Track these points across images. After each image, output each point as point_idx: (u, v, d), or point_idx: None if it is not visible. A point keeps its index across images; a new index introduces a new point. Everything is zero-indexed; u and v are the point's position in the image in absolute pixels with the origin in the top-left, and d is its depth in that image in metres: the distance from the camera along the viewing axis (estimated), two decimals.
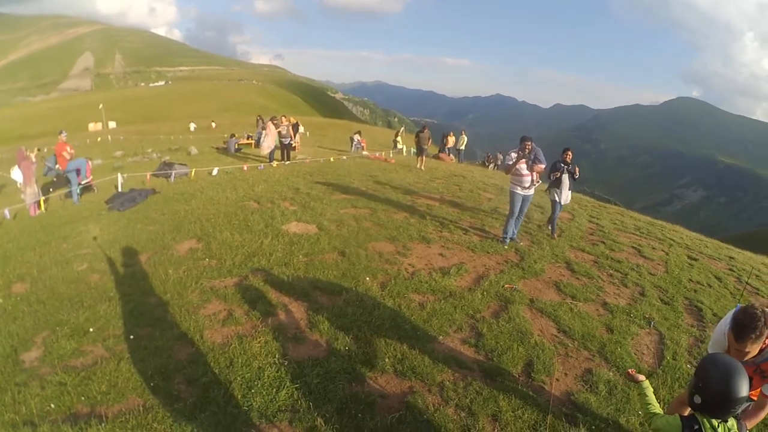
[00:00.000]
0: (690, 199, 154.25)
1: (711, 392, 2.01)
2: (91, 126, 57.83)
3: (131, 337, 4.40)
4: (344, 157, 18.01)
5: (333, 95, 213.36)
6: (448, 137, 23.39)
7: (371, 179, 12.70)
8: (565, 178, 8.05)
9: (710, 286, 6.74)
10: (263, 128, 17.96)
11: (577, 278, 6.44)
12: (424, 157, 16.23)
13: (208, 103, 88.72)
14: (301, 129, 24.61)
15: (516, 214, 7.58)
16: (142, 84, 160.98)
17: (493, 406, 3.62)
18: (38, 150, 11.43)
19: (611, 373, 4.17)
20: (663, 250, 8.41)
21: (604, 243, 8.33)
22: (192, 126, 44.18)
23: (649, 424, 2.41)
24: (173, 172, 12.70)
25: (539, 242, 7.94)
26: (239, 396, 3.57)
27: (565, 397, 3.84)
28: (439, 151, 22.84)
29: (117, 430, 3.23)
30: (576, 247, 7.89)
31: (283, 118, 16.48)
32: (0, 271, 6.24)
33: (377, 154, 20.27)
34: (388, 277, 5.89)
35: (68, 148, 11.62)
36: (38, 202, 10.19)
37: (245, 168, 13.73)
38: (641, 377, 2.58)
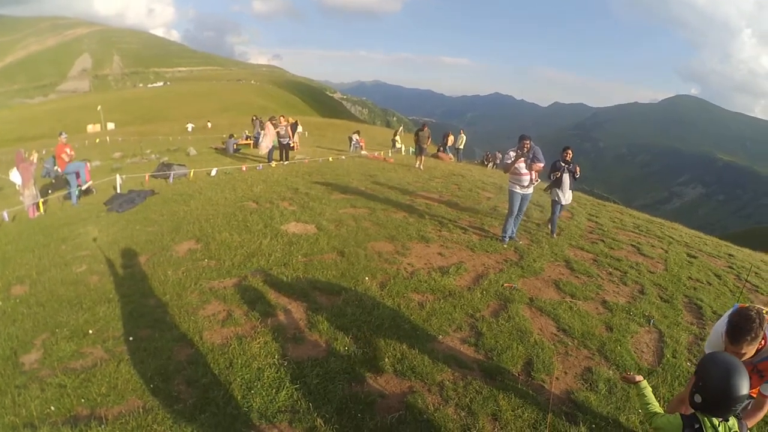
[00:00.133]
0: (689, 196, 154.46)
1: (711, 391, 2.01)
2: (90, 127, 57.75)
3: (131, 338, 4.40)
4: (343, 157, 18.00)
5: (331, 95, 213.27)
6: (449, 137, 23.40)
7: (370, 179, 12.70)
8: (566, 177, 7.96)
9: (710, 284, 6.74)
10: (262, 128, 17.95)
11: (577, 277, 6.44)
12: (423, 157, 16.21)
13: (206, 103, 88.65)
14: (300, 129, 24.60)
15: (515, 212, 7.58)
16: (141, 85, 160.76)
17: (493, 405, 3.62)
18: (35, 152, 11.37)
19: (611, 372, 4.17)
20: (662, 248, 8.42)
21: (603, 241, 8.34)
22: (189, 126, 44.15)
23: (649, 423, 2.41)
24: (172, 173, 12.68)
25: (538, 241, 7.94)
26: (239, 397, 3.57)
27: (565, 395, 3.85)
28: (438, 150, 22.83)
29: (117, 431, 3.23)
30: (575, 246, 7.89)
31: (281, 118, 16.46)
32: None
33: (376, 154, 20.26)
34: (387, 277, 5.89)
35: (68, 150, 11.62)
36: (37, 204, 10.17)
37: (244, 168, 13.73)
38: (638, 377, 2.57)
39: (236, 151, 20.33)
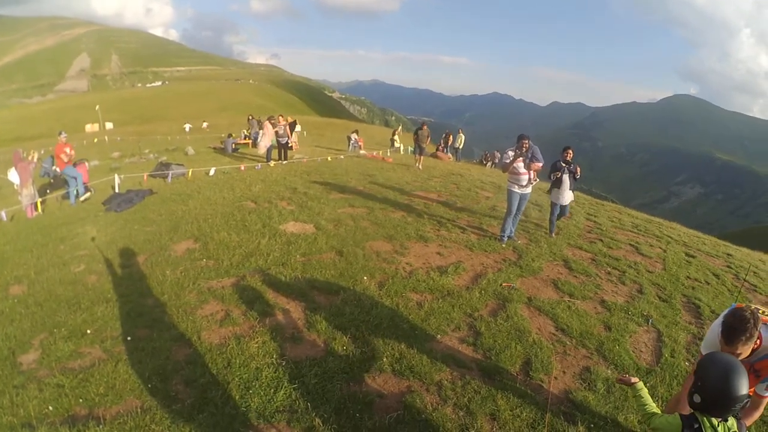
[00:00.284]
0: (687, 196, 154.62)
1: (711, 391, 2.01)
2: (88, 127, 57.57)
3: (129, 338, 4.40)
4: (341, 157, 17.99)
5: (330, 94, 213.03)
6: (449, 136, 23.42)
7: (368, 178, 12.70)
8: (566, 178, 7.90)
9: (708, 283, 6.75)
10: (260, 128, 17.92)
11: (575, 276, 6.45)
12: (422, 156, 16.19)
13: (205, 103, 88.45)
14: (298, 128, 24.55)
15: (513, 212, 7.58)
16: (139, 85, 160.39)
17: (491, 404, 3.62)
18: (34, 152, 11.34)
19: (609, 371, 4.17)
20: (660, 248, 8.42)
21: (601, 241, 8.34)
22: (187, 127, 44.02)
23: (647, 424, 2.40)
24: (170, 172, 12.67)
25: (537, 240, 7.94)
26: (237, 397, 3.57)
27: (563, 395, 3.85)
28: (437, 149, 22.83)
29: (115, 431, 3.22)
30: (574, 245, 7.90)
31: (280, 117, 16.44)
32: None
33: (374, 153, 20.25)
34: (385, 277, 5.89)
35: (68, 150, 11.58)
36: (35, 204, 10.16)
37: (242, 168, 13.71)
38: (634, 379, 2.57)
39: (235, 150, 20.31)
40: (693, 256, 8.08)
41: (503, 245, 7.49)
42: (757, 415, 2.65)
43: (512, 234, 7.81)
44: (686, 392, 2.26)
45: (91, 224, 8.37)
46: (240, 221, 7.89)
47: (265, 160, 15.74)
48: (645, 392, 2.50)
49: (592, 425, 3.47)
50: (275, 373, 3.86)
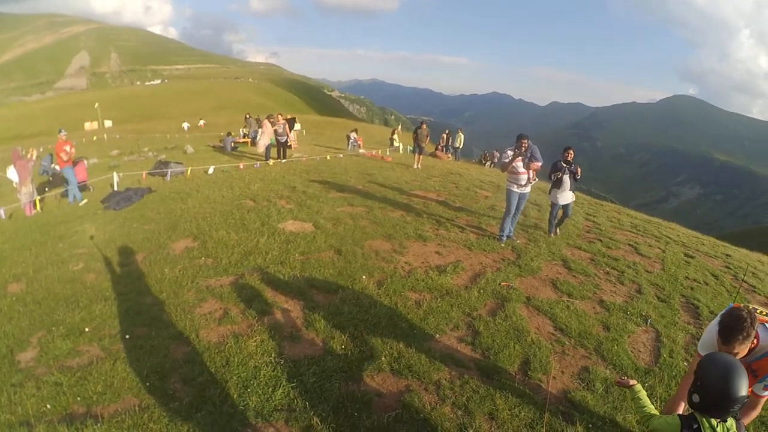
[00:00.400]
0: (686, 196, 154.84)
1: (710, 391, 2.00)
2: (87, 125, 57.45)
3: (127, 336, 4.39)
4: (341, 155, 17.99)
5: (329, 93, 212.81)
6: (448, 136, 23.44)
7: (368, 177, 12.69)
8: (566, 178, 7.85)
9: (707, 284, 6.76)
10: (259, 126, 17.90)
11: (574, 276, 6.45)
12: (421, 156, 16.19)
13: (204, 101, 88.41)
14: (298, 126, 24.54)
15: (512, 211, 7.58)
16: (138, 83, 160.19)
17: (489, 404, 3.62)
18: (34, 150, 11.32)
19: (608, 371, 4.17)
20: (659, 248, 8.43)
21: (600, 241, 8.34)
22: (185, 125, 43.94)
23: (646, 425, 2.39)
24: (169, 170, 12.66)
25: (536, 240, 7.94)
26: (235, 395, 3.57)
27: (561, 395, 3.85)
28: (436, 149, 22.84)
29: (113, 430, 3.22)
30: (573, 245, 7.90)
31: (279, 116, 16.43)
32: None
33: (374, 152, 20.26)
34: (384, 276, 5.88)
35: (68, 147, 11.56)
36: (34, 202, 10.14)
37: (241, 166, 13.71)
38: (632, 381, 2.56)
39: (234, 149, 20.31)
40: (692, 257, 8.08)
41: (502, 245, 7.49)
42: (754, 414, 2.65)
43: (511, 233, 7.81)
44: (683, 393, 2.26)
45: (89, 222, 8.35)
46: (239, 220, 7.88)
47: (264, 158, 15.73)
48: (643, 394, 2.49)
49: (590, 425, 3.47)
50: (273, 371, 3.85)
